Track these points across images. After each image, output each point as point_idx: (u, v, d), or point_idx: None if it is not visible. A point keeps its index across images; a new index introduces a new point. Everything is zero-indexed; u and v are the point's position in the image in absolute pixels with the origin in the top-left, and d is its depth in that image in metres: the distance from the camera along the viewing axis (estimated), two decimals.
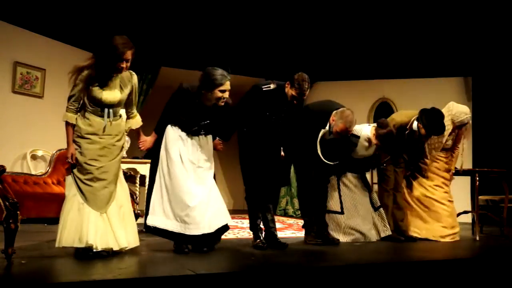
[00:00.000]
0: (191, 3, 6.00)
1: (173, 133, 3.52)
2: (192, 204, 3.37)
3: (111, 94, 3.12)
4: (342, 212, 4.41)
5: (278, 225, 5.43)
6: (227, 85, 3.37)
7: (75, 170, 3.11)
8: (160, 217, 3.41)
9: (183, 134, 3.52)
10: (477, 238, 4.78)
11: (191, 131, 3.52)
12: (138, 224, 4.32)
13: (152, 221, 3.41)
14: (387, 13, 6.31)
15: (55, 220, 3.62)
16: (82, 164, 3.09)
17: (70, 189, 3.12)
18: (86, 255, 3.00)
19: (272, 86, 3.79)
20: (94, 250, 3.00)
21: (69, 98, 3.12)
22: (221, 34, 3.50)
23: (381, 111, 5.62)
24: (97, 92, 3.09)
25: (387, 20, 6.48)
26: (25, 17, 5.80)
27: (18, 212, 2.84)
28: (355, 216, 4.40)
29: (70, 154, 3.11)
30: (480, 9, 6.00)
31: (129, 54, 3.04)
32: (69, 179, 3.13)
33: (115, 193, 3.20)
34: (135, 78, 3.27)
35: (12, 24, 5.74)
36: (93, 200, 3.07)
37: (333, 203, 4.44)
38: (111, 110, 3.16)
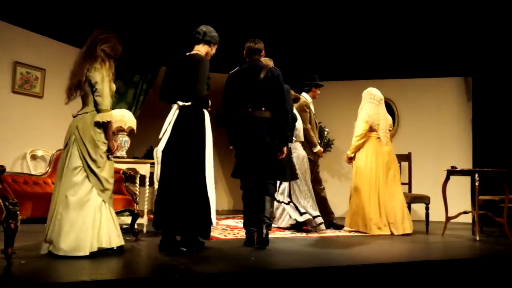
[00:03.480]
0: (190, 3, 6.00)
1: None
2: None
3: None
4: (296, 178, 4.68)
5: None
6: None
7: (93, 165, 3.10)
8: None
9: None
10: (477, 238, 4.78)
11: None
12: (138, 224, 4.33)
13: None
14: (387, 13, 6.31)
15: None
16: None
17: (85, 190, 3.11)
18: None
19: (236, 68, 3.96)
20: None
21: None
22: (220, 33, 3.51)
23: None
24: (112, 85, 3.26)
25: (387, 20, 6.49)
26: (25, 17, 5.80)
27: (18, 212, 2.85)
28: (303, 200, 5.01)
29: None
30: (480, 9, 6.00)
31: None
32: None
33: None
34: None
35: (12, 24, 5.73)
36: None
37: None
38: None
